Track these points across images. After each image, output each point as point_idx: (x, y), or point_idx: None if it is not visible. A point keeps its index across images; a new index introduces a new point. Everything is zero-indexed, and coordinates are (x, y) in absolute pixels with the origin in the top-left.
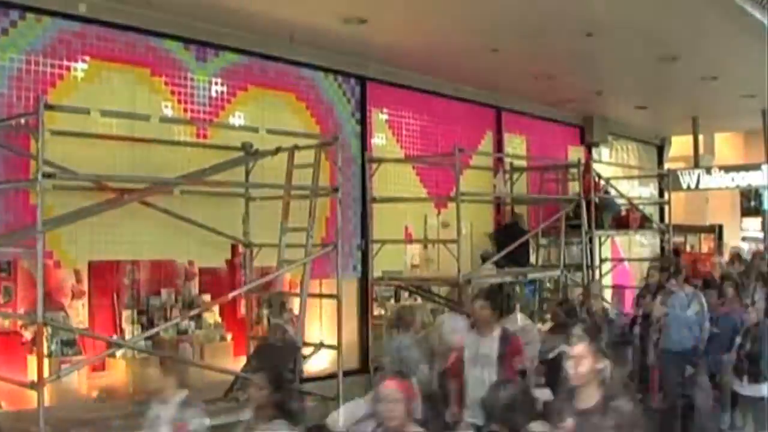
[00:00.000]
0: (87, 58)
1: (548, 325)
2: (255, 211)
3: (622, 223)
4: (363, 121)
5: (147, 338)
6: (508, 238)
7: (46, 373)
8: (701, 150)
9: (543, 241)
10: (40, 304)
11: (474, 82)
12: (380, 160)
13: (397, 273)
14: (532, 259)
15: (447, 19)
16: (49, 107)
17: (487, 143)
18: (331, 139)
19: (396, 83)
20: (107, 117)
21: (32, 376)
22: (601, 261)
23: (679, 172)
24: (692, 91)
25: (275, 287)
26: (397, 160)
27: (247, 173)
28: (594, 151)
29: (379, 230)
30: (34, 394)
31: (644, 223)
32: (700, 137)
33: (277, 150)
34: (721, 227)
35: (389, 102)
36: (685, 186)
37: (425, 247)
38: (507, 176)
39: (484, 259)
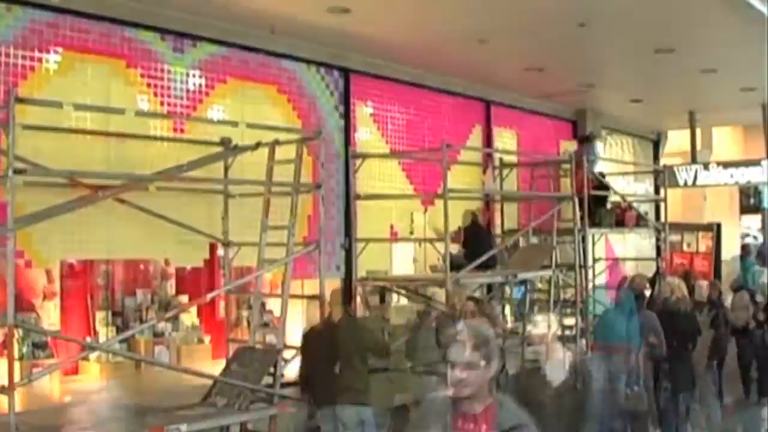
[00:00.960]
0: (60, 49)
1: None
2: (234, 209)
3: (617, 221)
4: (347, 115)
5: (122, 341)
6: (475, 243)
7: (17, 377)
8: (699, 145)
9: (534, 239)
10: (11, 305)
11: (462, 74)
12: (364, 156)
13: (382, 273)
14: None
15: (434, 8)
16: (21, 100)
17: (475, 138)
18: (314, 133)
19: (381, 75)
20: (81, 111)
21: (2, 380)
22: (594, 261)
23: (675, 168)
24: (689, 84)
25: (255, 288)
26: (383, 156)
27: (226, 169)
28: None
29: (363, 229)
30: (4, 398)
31: (639, 221)
32: (698, 132)
33: (257, 145)
34: (719, 226)
35: (374, 95)
36: (681, 182)
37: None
38: (497, 172)
39: (458, 267)
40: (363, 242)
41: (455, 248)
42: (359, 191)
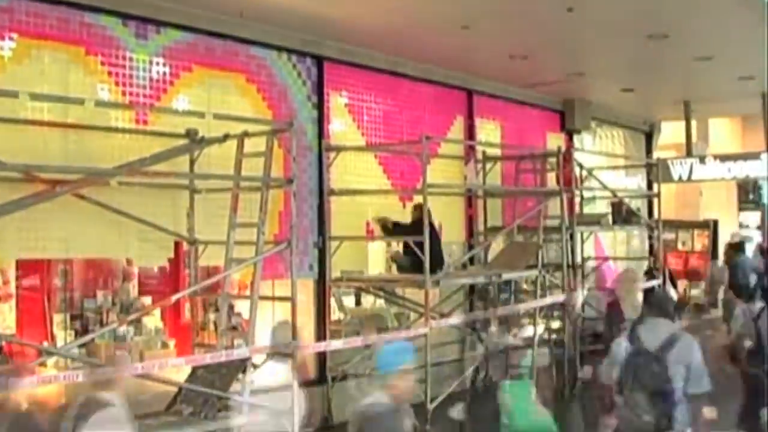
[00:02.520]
0: (14, 35)
1: None
2: (200, 205)
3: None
4: (320, 105)
5: (81, 345)
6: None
7: None
8: (694, 137)
9: (519, 238)
10: None
11: (443, 61)
12: (339, 149)
13: (357, 273)
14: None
15: None
16: None
17: (457, 129)
18: (285, 125)
19: (357, 63)
20: (37, 101)
21: None
22: (584, 260)
23: (669, 162)
24: (684, 72)
25: (222, 289)
26: (358, 149)
27: (192, 163)
28: (575, 138)
29: (337, 226)
30: None
31: (631, 218)
32: (693, 123)
33: (225, 137)
34: (716, 223)
35: (349, 84)
36: (676, 177)
37: (389, 245)
38: (479, 166)
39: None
40: (337, 241)
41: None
42: (333, 186)
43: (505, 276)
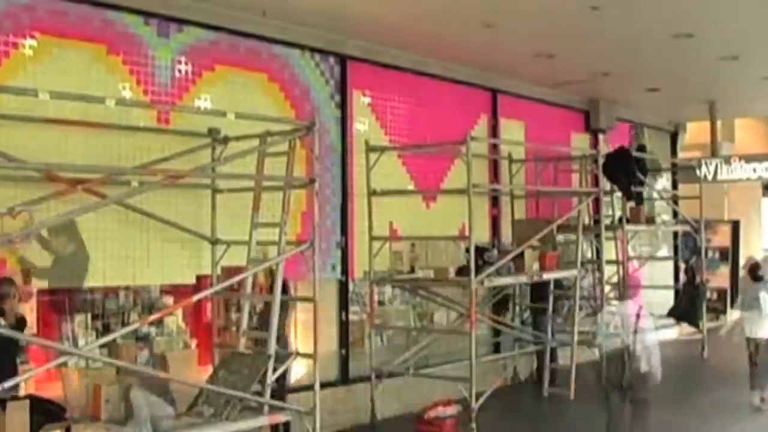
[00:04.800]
0: (36, 33)
1: None
2: (222, 205)
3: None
4: (343, 105)
5: (102, 345)
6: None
7: None
8: (719, 137)
9: (560, 238)
10: None
11: (467, 61)
12: (382, 149)
13: (381, 273)
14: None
15: None
16: None
17: (481, 129)
18: (308, 124)
19: (380, 62)
20: (59, 99)
21: None
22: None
23: (694, 162)
24: (709, 72)
25: (244, 289)
26: (400, 149)
27: (213, 161)
28: (600, 138)
29: (360, 227)
30: None
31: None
32: (718, 123)
33: (248, 137)
34: (737, 223)
35: (372, 83)
36: (701, 177)
37: (413, 244)
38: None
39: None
40: (380, 241)
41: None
42: (356, 186)
43: (546, 276)
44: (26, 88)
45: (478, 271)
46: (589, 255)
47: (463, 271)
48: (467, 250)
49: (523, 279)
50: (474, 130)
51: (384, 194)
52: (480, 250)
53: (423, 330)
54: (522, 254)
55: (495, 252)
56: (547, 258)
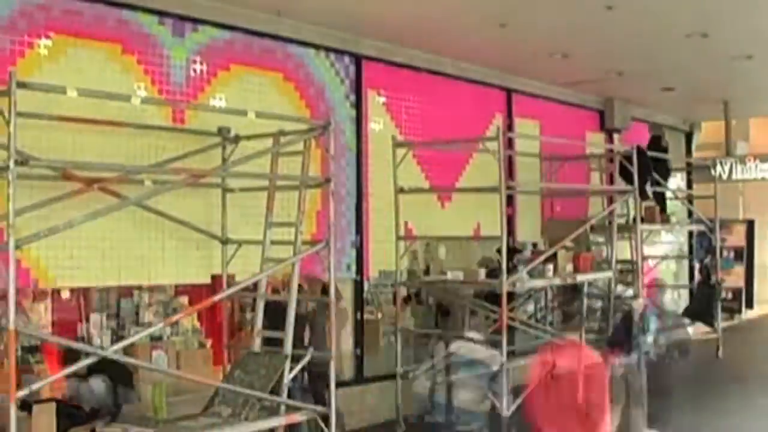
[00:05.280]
0: (51, 33)
1: None
2: (233, 204)
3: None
4: (358, 104)
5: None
6: None
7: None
8: (734, 136)
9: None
10: (12, 308)
11: (482, 60)
12: (409, 145)
13: (388, 272)
14: None
15: None
16: (22, 85)
17: (496, 128)
18: (324, 123)
19: (395, 62)
20: (84, 96)
21: None
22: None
23: (709, 162)
24: (724, 72)
25: (259, 289)
26: (423, 144)
27: (224, 161)
28: (615, 137)
29: (376, 226)
30: None
31: (669, 218)
32: (733, 123)
33: (261, 136)
34: (752, 223)
35: (387, 83)
36: (716, 177)
37: (427, 244)
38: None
39: None
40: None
41: None
42: (371, 186)
43: (580, 278)
44: (53, 85)
45: (509, 272)
46: (604, 254)
47: (493, 272)
48: (498, 251)
49: (556, 281)
50: (489, 129)
51: (412, 192)
52: (511, 251)
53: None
54: (555, 255)
55: (527, 253)
56: (581, 259)
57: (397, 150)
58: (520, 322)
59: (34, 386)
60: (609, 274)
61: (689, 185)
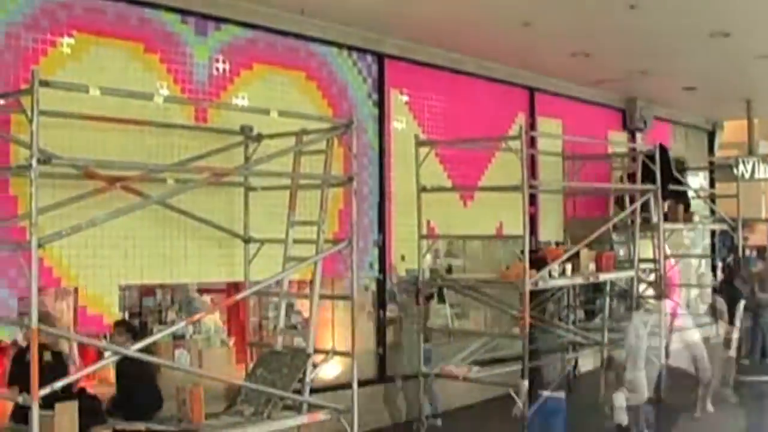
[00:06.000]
0: (73, 32)
1: None
2: (255, 203)
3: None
4: (381, 103)
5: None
6: None
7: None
8: (756, 135)
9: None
10: (33, 307)
11: (504, 59)
12: (432, 144)
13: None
14: None
15: None
16: (45, 84)
17: (518, 127)
18: (347, 122)
19: (418, 61)
20: (106, 95)
21: None
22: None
23: (731, 161)
24: (746, 71)
25: (281, 287)
26: (447, 143)
27: (247, 159)
28: (638, 136)
29: (398, 225)
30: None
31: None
32: (755, 121)
33: (284, 135)
34: None
35: (410, 82)
36: (738, 176)
37: (450, 243)
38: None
39: None
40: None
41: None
42: (393, 184)
43: (603, 277)
44: (76, 83)
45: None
46: (621, 253)
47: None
48: (522, 251)
49: (578, 280)
50: (511, 128)
51: (434, 191)
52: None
53: (474, 333)
54: (577, 254)
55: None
56: (603, 258)
57: (420, 149)
58: (542, 320)
59: (57, 384)
60: (631, 273)
61: (712, 184)
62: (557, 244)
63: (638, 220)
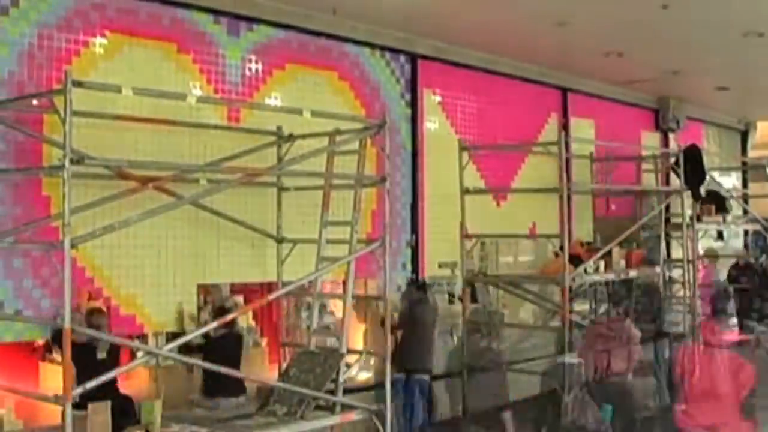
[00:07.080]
0: (106, 32)
1: None
2: (288, 203)
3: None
4: (413, 104)
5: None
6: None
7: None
8: None
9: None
10: (67, 306)
11: (538, 59)
12: (475, 148)
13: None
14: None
15: None
16: (78, 84)
17: (551, 128)
18: (380, 122)
19: (450, 61)
20: (139, 95)
21: (44, 386)
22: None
23: (765, 161)
24: None
25: (314, 288)
26: (492, 148)
27: (279, 160)
28: (671, 136)
29: (431, 225)
30: (49, 407)
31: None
32: None
33: (317, 135)
34: None
35: (443, 82)
36: None
37: (483, 243)
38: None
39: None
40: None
41: None
42: (427, 185)
43: (633, 273)
44: (109, 84)
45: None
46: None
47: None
48: (561, 248)
49: (611, 276)
50: (545, 129)
51: (476, 193)
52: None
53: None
54: (609, 252)
55: None
56: (633, 256)
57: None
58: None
59: (89, 384)
60: (657, 270)
61: (744, 184)
62: (581, 243)
63: (670, 220)
